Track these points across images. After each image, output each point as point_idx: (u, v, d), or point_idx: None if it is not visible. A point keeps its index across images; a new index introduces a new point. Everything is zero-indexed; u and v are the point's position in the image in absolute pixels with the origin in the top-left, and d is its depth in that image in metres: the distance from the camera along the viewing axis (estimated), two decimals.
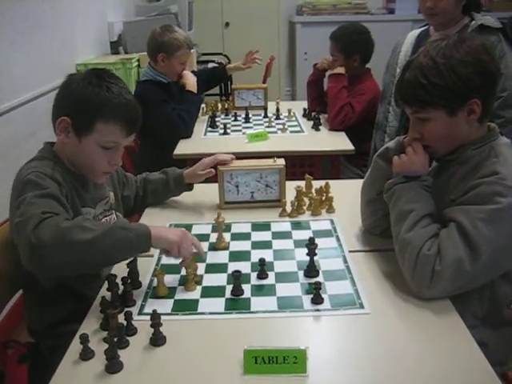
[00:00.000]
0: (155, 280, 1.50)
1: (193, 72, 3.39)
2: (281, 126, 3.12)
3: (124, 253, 1.43)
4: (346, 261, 1.61)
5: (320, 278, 1.52)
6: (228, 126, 3.14)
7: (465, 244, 1.37)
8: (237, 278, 1.46)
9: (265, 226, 1.85)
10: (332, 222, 1.87)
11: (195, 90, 3.18)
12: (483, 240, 1.36)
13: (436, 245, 1.40)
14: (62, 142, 1.62)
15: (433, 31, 2.56)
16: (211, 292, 1.48)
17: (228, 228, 1.82)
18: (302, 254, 1.59)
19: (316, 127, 3.11)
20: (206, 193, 2.10)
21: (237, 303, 1.43)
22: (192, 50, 3.49)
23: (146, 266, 1.61)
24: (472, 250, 1.36)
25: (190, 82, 3.20)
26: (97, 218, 1.71)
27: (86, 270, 1.49)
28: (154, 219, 1.92)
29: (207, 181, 2.27)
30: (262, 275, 1.54)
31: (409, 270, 1.42)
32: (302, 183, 2.06)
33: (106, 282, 1.46)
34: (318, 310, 1.39)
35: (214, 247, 1.72)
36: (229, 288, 1.48)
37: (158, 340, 1.27)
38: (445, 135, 1.50)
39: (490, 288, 1.48)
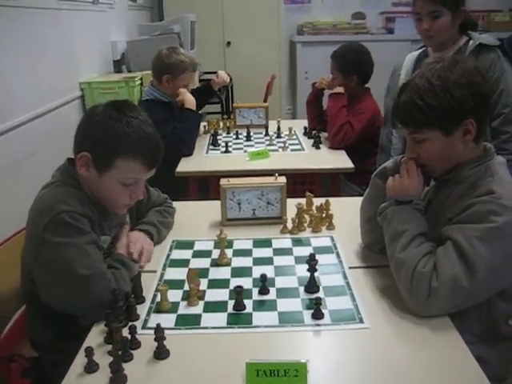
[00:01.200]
0: (158, 295, 1.52)
1: None
2: (282, 144, 3.15)
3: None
4: (345, 277, 1.63)
5: (320, 294, 1.54)
6: (229, 144, 3.18)
7: (461, 262, 1.39)
8: (239, 294, 1.49)
9: (266, 243, 1.88)
10: (332, 238, 1.89)
11: (194, 107, 3.21)
12: (480, 258, 1.38)
13: (431, 262, 1.42)
14: (83, 176, 1.62)
15: (431, 52, 2.59)
16: (213, 307, 1.51)
17: (230, 244, 1.84)
18: (302, 270, 1.62)
19: (316, 145, 3.14)
20: (208, 210, 2.13)
21: (239, 318, 1.45)
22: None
23: (150, 281, 1.63)
24: (468, 267, 1.38)
25: (188, 99, 3.22)
26: (110, 242, 1.74)
27: None
28: None
29: (210, 198, 2.31)
30: (264, 291, 1.56)
31: (405, 288, 1.44)
32: (303, 201, 2.08)
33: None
34: (319, 325, 1.41)
35: (216, 263, 1.74)
36: (231, 303, 1.51)
37: (161, 353, 1.29)
38: (441, 155, 1.53)
39: (486, 305, 1.50)
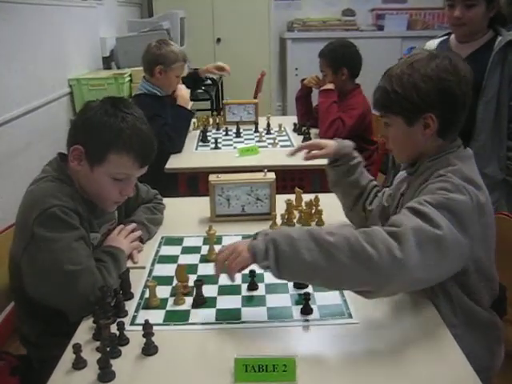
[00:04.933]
0: (147, 291, 1.52)
1: None
2: (271, 141, 3.16)
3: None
4: None
5: (309, 289, 1.54)
6: (219, 140, 3.18)
7: (420, 217, 1.33)
8: (199, 287, 1.50)
9: None
10: None
11: (187, 105, 3.21)
12: (438, 217, 1.33)
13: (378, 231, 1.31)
14: (75, 169, 1.62)
15: (453, 42, 2.53)
16: None
17: (219, 240, 1.84)
18: None
19: (306, 142, 3.13)
20: (197, 206, 2.12)
21: (227, 314, 1.45)
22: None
23: (138, 277, 1.63)
24: (427, 219, 1.32)
25: (183, 95, 3.22)
26: (100, 239, 1.74)
27: None
28: None
29: (199, 194, 2.30)
30: (253, 286, 1.56)
31: (373, 262, 1.25)
32: (292, 197, 2.09)
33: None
34: (308, 321, 1.41)
35: (205, 259, 1.74)
36: (220, 299, 1.51)
37: (149, 349, 1.29)
38: (402, 142, 1.58)
39: (454, 298, 1.50)
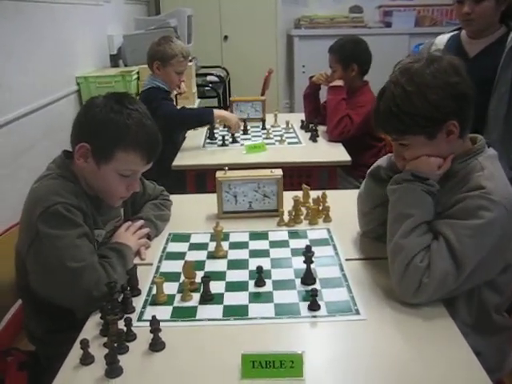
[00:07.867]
0: (154, 287, 1.52)
1: None
2: (279, 138, 3.15)
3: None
4: (342, 269, 1.63)
5: (317, 286, 1.54)
6: (226, 137, 3.18)
7: (452, 260, 1.39)
8: (206, 283, 1.50)
9: (262, 235, 1.87)
10: (329, 231, 1.89)
11: (226, 120, 3.21)
12: (468, 258, 1.38)
13: (427, 257, 1.41)
14: (81, 167, 1.62)
15: (465, 37, 2.50)
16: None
17: (226, 237, 1.84)
18: (299, 262, 1.61)
19: (313, 139, 3.14)
20: (204, 202, 2.12)
21: (235, 310, 1.45)
22: (190, 63, 3.51)
23: (146, 273, 1.63)
24: (457, 266, 1.38)
25: (227, 115, 3.24)
26: (106, 236, 1.74)
27: None
28: None
29: (207, 191, 2.30)
30: (260, 283, 1.56)
31: (397, 276, 1.44)
32: (300, 193, 2.08)
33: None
34: (315, 317, 1.41)
35: (212, 256, 1.74)
36: (227, 295, 1.51)
37: (157, 345, 1.29)
38: None
39: (476, 296, 1.50)
